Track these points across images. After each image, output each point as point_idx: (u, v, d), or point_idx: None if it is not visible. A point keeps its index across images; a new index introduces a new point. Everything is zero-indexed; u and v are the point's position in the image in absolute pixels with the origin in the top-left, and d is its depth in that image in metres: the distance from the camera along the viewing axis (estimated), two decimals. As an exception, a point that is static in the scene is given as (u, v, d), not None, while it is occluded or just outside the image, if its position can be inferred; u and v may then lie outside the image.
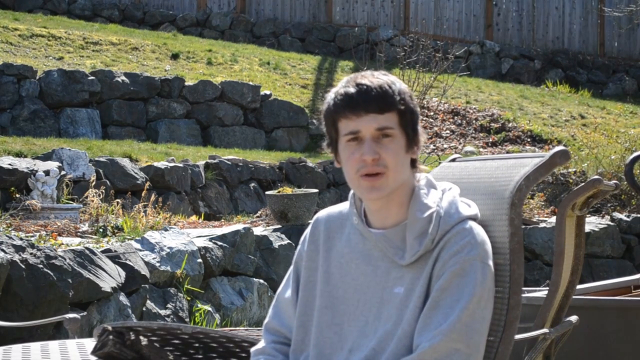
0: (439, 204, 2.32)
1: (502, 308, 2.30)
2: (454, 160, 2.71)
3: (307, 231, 2.48)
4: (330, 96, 2.33)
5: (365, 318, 2.31)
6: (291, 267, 2.50)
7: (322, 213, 2.49)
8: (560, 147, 2.38)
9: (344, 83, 2.32)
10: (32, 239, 5.96)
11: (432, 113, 14.56)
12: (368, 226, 2.36)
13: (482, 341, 2.24)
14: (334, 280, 2.38)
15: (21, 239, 5.54)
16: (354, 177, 2.30)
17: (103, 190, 7.81)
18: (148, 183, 8.95)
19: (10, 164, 8.16)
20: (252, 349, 2.49)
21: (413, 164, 2.33)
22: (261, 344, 2.48)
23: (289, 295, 2.47)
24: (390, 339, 2.26)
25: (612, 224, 9.06)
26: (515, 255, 2.30)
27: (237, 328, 5.45)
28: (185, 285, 6.57)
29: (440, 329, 2.19)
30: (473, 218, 2.32)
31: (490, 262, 2.27)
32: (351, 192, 2.41)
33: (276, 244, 7.63)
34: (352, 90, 2.28)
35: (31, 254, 5.40)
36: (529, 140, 14.07)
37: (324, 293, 2.39)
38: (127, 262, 6.14)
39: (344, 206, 2.47)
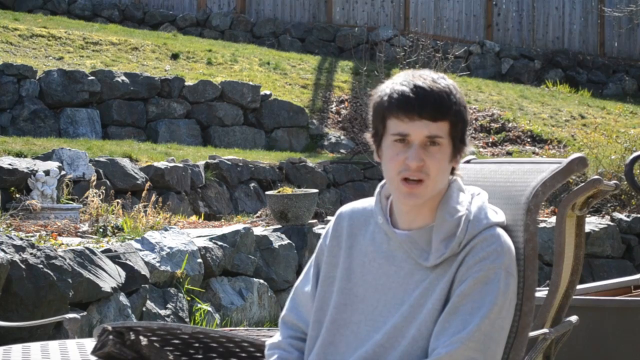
0: (468, 207, 2.29)
1: (514, 314, 2.28)
2: (468, 162, 2.70)
3: (330, 225, 2.44)
4: (384, 90, 2.26)
5: (383, 319, 2.28)
6: (311, 261, 2.47)
7: (346, 208, 2.45)
8: (578, 154, 2.35)
9: (401, 79, 2.25)
10: (32, 239, 5.96)
11: (432, 113, 14.55)
12: (393, 226, 2.33)
13: (499, 351, 2.22)
14: (355, 278, 2.35)
15: (21, 239, 5.54)
16: (394, 177, 2.25)
17: (103, 190, 7.81)
18: (148, 183, 8.95)
19: (10, 164, 8.16)
20: (268, 342, 2.46)
21: (452, 171, 2.31)
22: (277, 337, 2.45)
23: (308, 290, 2.44)
24: (400, 336, 2.24)
25: (612, 224, 9.06)
26: (530, 262, 2.28)
27: (237, 328, 5.45)
28: (185, 285, 6.57)
29: (459, 336, 2.16)
30: (500, 225, 2.30)
31: (515, 273, 2.24)
32: (377, 189, 2.39)
33: (276, 244, 7.63)
34: (409, 91, 2.22)
35: (31, 254, 5.40)
36: (529, 140, 14.08)
37: (343, 290, 2.35)
38: (127, 262, 6.14)
39: (368, 202, 2.43)
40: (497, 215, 2.32)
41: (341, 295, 2.35)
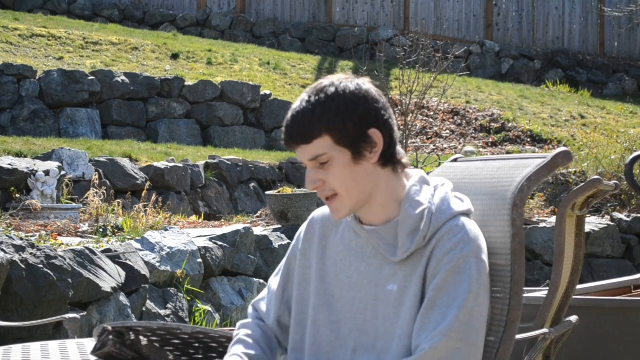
0: (431, 200, 2.29)
1: (503, 309, 2.29)
2: (455, 160, 2.71)
3: (302, 229, 2.47)
4: None
5: (362, 316, 2.30)
6: (283, 261, 2.50)
7: (318, 212, 2.47)
8: (563, 148, 2.38)
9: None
10: (32, 239, 5.96)
11: (432, 113, 14.56)
12: (361, 223, 2.34)
13: (480, 338, 2.23)
14: (329, 278, 2.37)
15: (21, 239, 5.54)
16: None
17: (103, 191, 7.81)
18: (148, 183, 8.95)
19: (10, 164, 8.16)
20: (239, 322, 2.51)
21: (386, 162, 2.28)
22: (247, 319, 2.51)
23: (274, 289, 2.48)
24: (391, 339, 2.26)
25: (612, 224, 9.06)
26: (517, 256, 2.30)
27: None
28: (185, 285, 6.57)
29: (439, 329, 2.17)
30: (466, 213, 2.30)
31: (485, 257, 2.25)
32: None
33: (276, 244, 7.63)
34: (287, 120, 2.26)
35: (31, 254, 5.40)
36: (529, 140, 14.08)
37: (319, 291, 2.37)
38: (127, 262, 6.14)
39: None
40: (462, 203, 2.31)
41: (317, 296, 2.38)
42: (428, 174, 2.54)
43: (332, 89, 2.24)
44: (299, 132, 2.23)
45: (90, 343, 3.14)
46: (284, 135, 2.26)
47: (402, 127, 10.71)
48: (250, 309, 2.53)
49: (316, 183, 2.25)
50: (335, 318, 2.34)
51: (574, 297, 2.78)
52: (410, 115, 10.68)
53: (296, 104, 2.26)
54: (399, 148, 2.31)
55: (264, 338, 2.44)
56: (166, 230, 6.82)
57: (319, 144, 2.22)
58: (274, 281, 2.49)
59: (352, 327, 2.31)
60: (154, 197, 7.78)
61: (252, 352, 2.40)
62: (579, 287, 4.04)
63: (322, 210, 2.46)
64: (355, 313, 2.31)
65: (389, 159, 2.28)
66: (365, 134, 2.23)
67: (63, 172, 8.41)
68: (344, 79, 2.28)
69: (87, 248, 5.87)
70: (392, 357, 2.24)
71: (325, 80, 2.27)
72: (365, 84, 2.28)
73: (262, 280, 7.36)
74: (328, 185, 2.25)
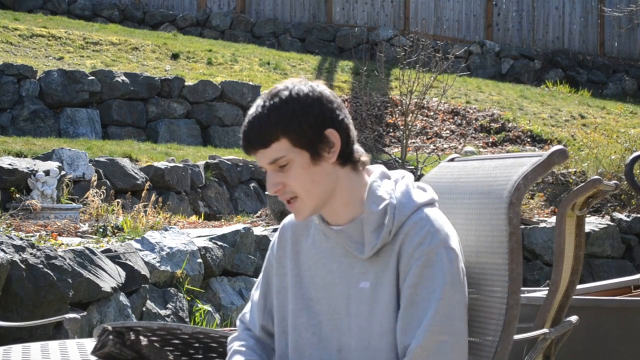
0: (392, 194, 2.30)
1: (501, 307, 2.30)
2: (452, 160, 2.71)
3: (275, 238, 2.50)
4: None
5: (338, 316, 2.33)
6: (261, 272, 2.53)
7: (288, 219, 2.50)
8: (558, 146, 2.38)
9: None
10: (32, 239, 5.96)
11: (432, 113, 14.56)
12: (328, 224, 2.36)
13: (463, 326, 2.24)
14: (305, 282, 2.39)
15: (21, 239, 5.54)
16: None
17: (103, 190, 7.81)
18: (148, 183, 8.95)
19: (10, 164, 8.16)
20: (229, 338, 2.52)
21: (345, 161, 2.29)
22: (237, 332, 2.53)
23: (256, 299, 2.51)
24: (368, 336, 2.27)
25: (612, 224, 9.06)
26: (514, 255, 2.30)
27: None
28: (186, 285, 6.57)
29: (422, 326, 2.19)
30: (429, 204, 2.31)
31: (454, 244, 2.26)
32: None
33: (276, 244, 7.62)
34: (243, 128, 2.29)
35: (31, 254, 5.40)
36: (529, 140, 14.08)
37: (297, 296, 2.39)
38: (127, 262, 6.14)
39: None
40: (424, 194, 2.33)
41: (295, 301, 2.39)
42: (422, 175, 2.55)
43: (286, 92, 2.25)
44: (256, 137, 2.25)
45: (90, 343, 3.14)
46: (242, 141, 2.29)
47: (402, 127, 10.70)
48: (237, 323, 2.55)
49: (277, 186, 2.27)
50: (316, 321, 2.36)
51: (574, 297, 2.79)
52: (410, 115, 10.68)
53: (252, 110, 2.28)
54: (357, 146, 2.32)
55: (258, 345, 2.47)
56: (166, 230, 6.82)
57: (277, 147, 2.25)
58: (256, 293, 2.52)
59: (332, 328, 2.33)
60: (153, 197, 7.78)
61: (252, 359, 2.42)
62: (579, 287, 4.04)
63: (292, 217, 2.48)
64: (333, 314, 2.33)
65: (347, 158, 2.29)
66: (322, 134, 2.25)
67: (63, 172, 8.41)
68: (297, 82, 2.29)
69: (87, 248, 5.87)
70: (371, 353, 2.26)
71: (280, 85, 2.29)
72: (319, 85, 2.30)
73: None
74: (288, 188, 2.27)
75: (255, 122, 2.25)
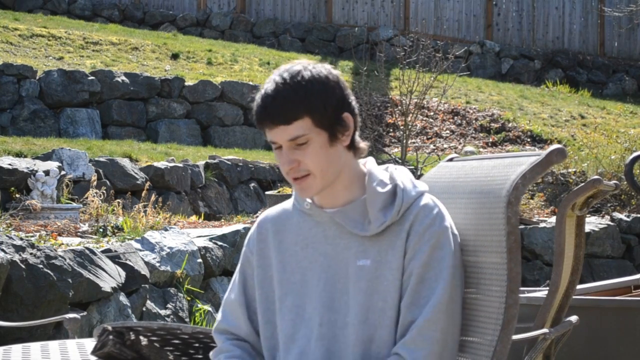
0: (395, 179, 2.38)
1: (499, 307, 2.30)
2: (451, 160, 2.71)
3: (252, 234, 2.51)
4: (254, 102, 2.35)
5: (329, 294, 2.36)
6: (236, 272, 2.53)
7: (264, 215, 2.53)
8: (557, 145, 2.38)
9: (260, 89, 2.31)
10: (32, 239, 5.95)
11: (432, 113, 14.56)
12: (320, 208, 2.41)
13: (459, 309, 2.34)
14: (290, 268, 2.42)
15: (21, 239, 5.54)
16: (286, 178, 2.35)
17: (103, 190, 7.80)
18: (148, 183, 8.95)
19: (10, 164, 8.16)
20: (210, 353, 2.50)
21: (351, 145, 2.35)
22: (218, 346, 2.50)
23: (234, 297, 2.50)
24: (367, 311, 2.32)
25: (612, 224, 9.06)
26: (513, 254, 2.31)
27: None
28: (185, 285, 6.57)
29: (430, 304, 2.28)
30: (426, 192, 2.42)
31: (454, 229, 2.37)
32: None
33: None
34: (261, 102, 2.28)
35: (31, 254, 5.40)
36: (529, 140, 14.08)
37: (282, 282, 2.42)
38: (127, 262, 6.14)
39: (284, 204, 2.52)
40: (422, 184, 2.43)
41: (280, 287, 2.42)
42: (422, 175, 2.59)
43: (308, 73, 2.29)
44: (279, 113, 2.26)
45: (90, 343, 3.14)
46: (259, 115, 2.29)
47: (402, 127, 10.70)
48: (215, 337, 2.52)
49: (292, 163, 2.30)
50: (300, 302, 2.39)
51: (574, 297, 2.79)
52: (410, 115, 10.68)
53: (269, 85, 2.28)
54: (358, 134, 2.40)
55: (245, 352, 2.46)
56: (166, 230, 6.82)
57: (299, 125, 2.27)
58: (231, 295, 2.51)
59: (316, 306, 2.36)
60: (153, 197, 7.78)
61: None
62: (579, 287, 4.04)
63: (268, 212, 2.52)
64: (321, 292, 2.36)
65: (353, 144, 2.37)
66: (341, 117, 2.31)
67: (63, 172, 8.41)
68: (313, 63, 2.34)
69: (87, 248, 5.87)
70: (371, 327, 2.32)
71: (295, 65, 2.32)
72: (333, 69, 2.36)
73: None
74: (303, 166, 2.30)
75: (278, 97, 2.27)
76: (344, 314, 2.34)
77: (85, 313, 5.59)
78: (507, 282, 2.30)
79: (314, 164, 2.30)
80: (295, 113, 2.26)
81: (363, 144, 2.40)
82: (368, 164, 2.42)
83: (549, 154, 2.35)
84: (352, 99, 2.35)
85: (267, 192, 8.52)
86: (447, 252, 2.32)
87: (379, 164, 2.47)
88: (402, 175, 2.41)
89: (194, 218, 9.05)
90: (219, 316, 2.54)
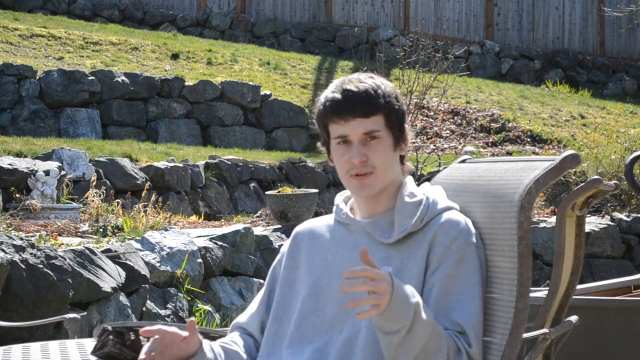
0: (427, 193, 2.45)
1: (509, 311, 2.29)
2: (463, 161, 2.71)
3: (287, 243, 2.58)
4: (320, 100, 2.43)
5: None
6: (268, 274, 2.59)
7: (302, 226, 2.59)
8: (571, 151, 2.37)
9: (332, 88, 2.41)
10: (32, 239, 5.95)
11: (432, 113, 14.56)
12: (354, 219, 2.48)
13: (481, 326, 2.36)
14: (318, 271, 2.47)
15: (21, 239, 5.54)
16: (345, 176, 2.41)
17: (103, 190, 7.80)
18: (148, 183, 8.94)
19: (10, 164, 8.16)
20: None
21: (402, 160, 2.46)
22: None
23: (259, 298, 2.58)
24: None
25: (612, 224, 9.06)
26: (524, 259, 2.30)
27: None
28: (186, 285, 6.57)
29: (462, 314, 2.30)
30: (455, 208, 2.45)
31: (480, 243, 2.39)
32: (337, 197, 2.55)
33: (276, 244, 7.63)
34: (338, 96, 2.37)
35: (31, 254, 5.40)
36: (529, 140, 14.07)
37: (308, 283, 2.47)
38: (127, 262, 6.14)
39: (327, 218, 2.58)
40: (452, 202, 2.48)
41: (306, 288, 2.47)
42: (430, 173, 2.63)
43: (380, 79, 2.44)
44: (363, 105, 2.36)
45: (90, 343, 3.14)
46: (338, 107, 2.37)
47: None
48: (230, 327, 2.61)
49: (362, 157, 2.36)
50: (322, 305, 2.43)
51: (574, 297, 2.78)
52: (410, 115, 10.68)
53: (346, 84, 2.38)
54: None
55: (243, 340, 2.52)
56: (166, 230, 6.82)
57: (375, 120, 2.37)
58: (259, 294, 2.60)
59: (338, 311, 2.39)
60: (153, 197, 7.78)
61: (231, 348, 2.49)
62: (579, 287, 4.04)
63: (310, 221, 2.60)
64: (343, 297, 2.36)
65: (404, 157, 2.48)
66: (404, 126, 2.43)
67: (63, 172, 8.41)
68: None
69: (87, 248, 5.87)
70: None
71: (364, 74, 2.46)
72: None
73: (262, 280, 7.36)
74: (370, 162, 2.38)
75: (362, 92, 2.37)
76: (357, 320, 2.34)
77: (85, 313, 5.59)
78: (518, 286, 2.30)
79: (381, 160, 2.38)
80: (375, 108, 2.37)
81: (409, 164, 2.49)
82: (407, 178, 2.50)
83: (564, 160, 2.34)
84: None
85: (267, 192, 8.52)
86: (474, 266, 2.34)
87: None
88: (435, 192, 2.47)
89: (194, 218, 9.05)
90: (244, 312, 2.62)
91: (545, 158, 2.40)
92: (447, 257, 2.33)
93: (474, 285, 2.32)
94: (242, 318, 2.58)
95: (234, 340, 2.53)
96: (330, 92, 2.40)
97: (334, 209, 2.54)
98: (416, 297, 2.20)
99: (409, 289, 2.20)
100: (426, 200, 2.41)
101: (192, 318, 2.33)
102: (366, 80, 2.40)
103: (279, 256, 2.59)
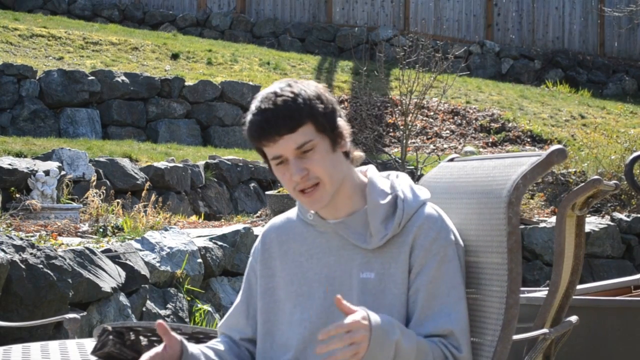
0: (396, 189, 2.37)
1: (500, 307, 2.30)
2: (452, 160, 2.71)
3: (257, 245, 2.51)
4: (245, 124, 2.32)
5: (334, 307, 2.32)
6: (243, 280, 2.54)
7: (269, 224, 2.52)
8: (557, 146, 2.38)
9: (253, 108, 2.30)
10: (32, 239, 5.95)
11: (432, 113, 14.56)
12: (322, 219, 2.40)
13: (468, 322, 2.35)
14: (297, 280, 2.41)
15: (21, 239, 5.54)
16: (293, 193, 2.34)
17: (103, 190, 7.80)
18: (148, 183, 8.95)
19: (10, 164, 8.16)
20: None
21: (346, 155, 2.35)
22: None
23: (237, 304, 2.52)
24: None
25: (612, 224, 9.06)
26: (513, 255, 2.31)
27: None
28: (185, 285, 6.57)
29: (450, 318, 2.28)
30: (429, 200, 2.40)
31: (458, 238, 2.36)
32: None
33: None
34: (259, 119, 2.27)
35: (31, 254, 5.40)
36: (529, 140, 14.08)
37: (289, 294, 2.41)
38: (127, 262, 6.14)
39: (288, 214, 2.51)
40: (423, 191, 2.41)
41: (289, 299, 2.41)
42: (422, 175, 2.59)
43: (299, 85, 2.30)
44: (284, 121, 2.25)
45: (90, 343, 3.14)
46: (261, 129, 2.26)
47: (402, 127, 10.70)
48: (218, 335, 2.56)
49: (302, 172, 2.28)
50: (307, 315, 2.38)
51: (574, 297, 2.78)
52: (410, 115, 10.68)
53: (263, 103, 2.27)
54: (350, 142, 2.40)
55: (227, 346, 2.48)
56: (166, 230, 6.82)
57: (303, 131, 2.27)
58: (237, 300, 2.54)
59: (325, 320, 2.34)
60: (153, 197, 7.78)
61: (220, 347, 2.46)
62: (579, 287, 4.04)
63: (273, 222, 2.52)
64: (329, 307, 2.34)
65: (348, 152, 2.36)
66: (336, 123, 2.32)
67: (63, 172, 8.41)
68: (291, 79, 2.35)
69: (87, 248, 5.87)
70: None
71: (280, 82, 2.33)
72: (317, 83, 2.38)
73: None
74: (312, 174, 2.29)
75: (281, 107, 2.25)
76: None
77: (85, 313, 5.59)
78: (508, 282, 2.30)
79: (322, 169, 2.29)
80: (299, 120, 2.26)
81: (357, 153, 2.39)
82: (369, 172, 2.41)
83: (550, 155, 2.35)
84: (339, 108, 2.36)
85: (267, 192, 8.52)
86: (455, 265, 2.31)
87: (379, 164, 2.46)
88: (403, 184, 2.39)
89: (194, 218, 9.05)
90: (224, 318, 2.56)
91: (532, 154, 2.41)
92: (429, 260, 2.29)
93: (457, 286, 2.30)
94: (224, 327, 2.53)
95: (219, 342, 2.50)
96: (251, 114, 2.29)
97: (297, 206, 2.46)
98: (396, 331, 2.17)
99: (387, 324, 2.16)
100: (400, 201, 2.33)
101: (160, 321, 2.25)
102: (283, 92, 2.27)
103: (250, 261, 2.52)
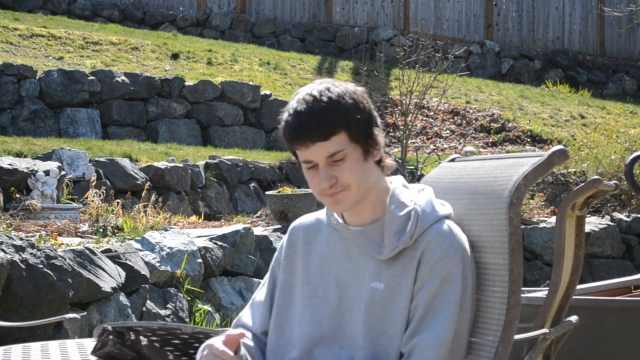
0: (416, 202, 2.35)
1: (501, 308, 2.30)
2: (453, 160, 2.72)
3: (285, 239, 2.53)
4: (281, 123, 2.30)
5: (348, 314, 2.35)
6: (268, 273, 2.55)
7: (298, 221, 2.54)
8: (559, 147, 2.38)
9: (289, 108, 2.27)
10: (32, 239, 5.95)
11: (432, 113, 14.56)
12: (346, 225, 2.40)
13: (463, 342, 2.31)
14: (314, 281, 2.42)
15: (21, 239, 5.54)
16: (318, 196, 2.33)
17: (103, 190, 7.80)
18: (148, 183, 8.94)
19: (10, 164, 8.16)
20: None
21: (378, 163, 2.34)
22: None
23: (260, 299, 2.53)
24: (377, 336, 2.30)
25: (612, 224, 9.06)
26: (515, 255, 2.31)
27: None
28: (185, 285, 6.57)
29: (434, 335, 2.25)
30: (448, 217, 2.36)
31: (469, 259, 2.32)
32: None
33: (276, 244, 7.63)
34: (294, 122, 2.24)
35: (31, 254, 5.40)
36: (529, 140, 14.07)
37: (304, 293, 2.43)
38: (127, 262, 6.14)
39: (319, 214, 2.52)
40: (444, 207, 2.38)
41: (302, 298, 2.43)
42: (422, 175, 2.58)
43: (337, 89, 2.27)
44: (317, 129, 2.23)
45: (90, 343, 3.14)
46: (294, 134, 2.25)
47: (402, 127, 10.70)
48: (233, 327, 2.56)
49: (331, 180, 2.26)
50: (319, 317, 2.39)
51: (574, 297, 2.78)
52: (410, 115, 10.68)
53: (299, 105, 2.25)
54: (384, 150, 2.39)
55: (254, 338, 2.49)
56: (166, 230, 6.82)
57: (336, 140, 2.24)
58: (259, 293, 2.55)
59: (336, 325, 2.36)
60: (153, 197, 7.78)
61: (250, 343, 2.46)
62: (579, 287, 4.04)
63: (302, 220, 2.53)
64: (343, 312, 2.36)
65: (381, 160, 2.35)
66: (372, 132, 2.29)
67: (63, 172, 8.41)
68: (335, 80, 2.32)
69: (87, 248, 5.87)
70: (376, 354, 2.29)
71: (322, 83, 2.29)
72: (358, 86, 2.33)
73: (262, 280, 7.36)
74: (340, 182, 2.27)
75: (314, 114, 2.23)
76: (353, 334, 2.33)
77: (85, 313, 5.59)
78: (509, 283, 2.30)
79: (352, 177, 2.27)
80: (333, 128, 2.23)
81: (389, 161, 2.37)
82: (393, 183, 2.40)
83: (551, 155, 2.35)
84: (377, 115, 2.34)
85: (267, 192, 8.52)
86: (455, 285, 2.27)
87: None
88: (423, 198, 2.37)
89: (194, 218, 9.05)
90: (243, 311, 2.57)
91: (533, 154, 2.41)
92: (432, 276, 2.27)
93: (452, 304, 2.26)
94: (244, 319, 2.53)
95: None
96: (288, 114, 2.26)
97: (326, 208, 2.45)
98: None
99: None
100: (415, 214, 2.31)
101: (234, 336, 2.23)
102: (322, 97, 2.24)
103: (277, 256, 2.54)
